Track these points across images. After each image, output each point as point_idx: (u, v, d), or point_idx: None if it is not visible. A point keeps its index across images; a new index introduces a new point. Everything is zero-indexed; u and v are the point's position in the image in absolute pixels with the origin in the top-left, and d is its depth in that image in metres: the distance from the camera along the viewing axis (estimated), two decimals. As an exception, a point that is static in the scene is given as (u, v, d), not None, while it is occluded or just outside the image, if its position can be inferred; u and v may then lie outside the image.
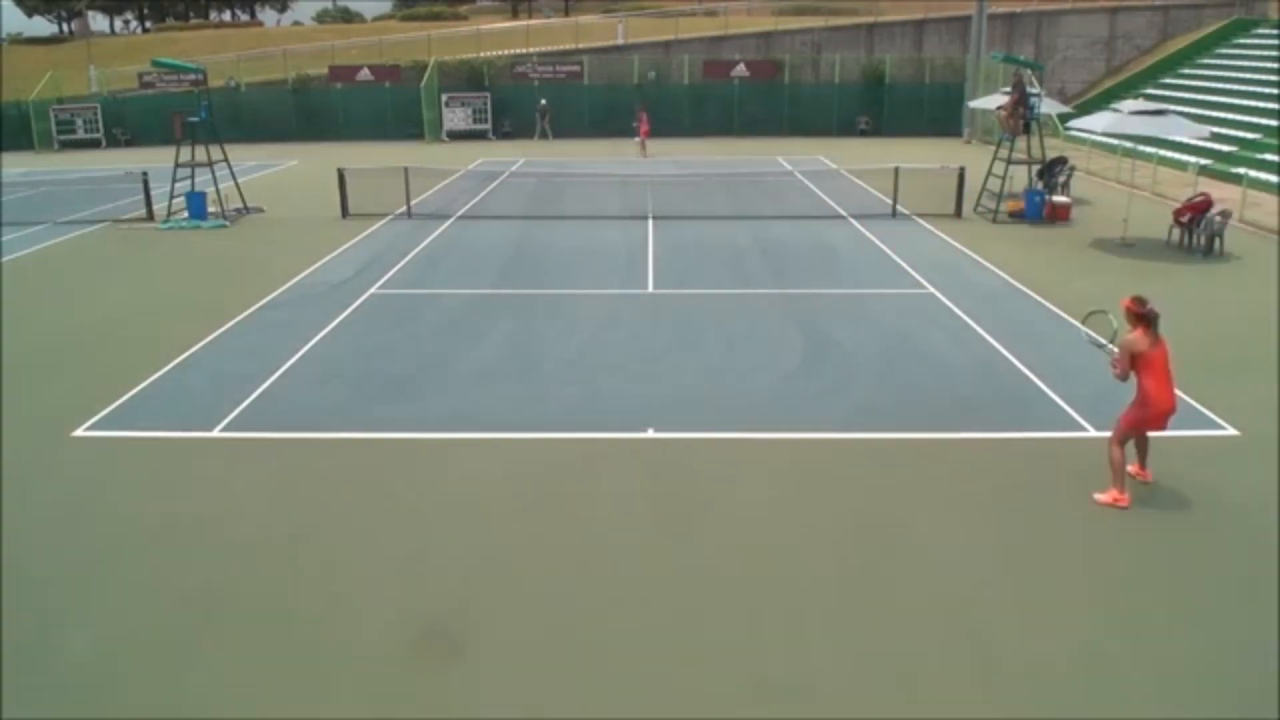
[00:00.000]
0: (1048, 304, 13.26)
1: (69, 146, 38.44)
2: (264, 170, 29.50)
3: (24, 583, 6.62)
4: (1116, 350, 7.56)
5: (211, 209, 20.75)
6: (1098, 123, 18.49)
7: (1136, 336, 7.35)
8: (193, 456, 8.72)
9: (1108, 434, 8.12)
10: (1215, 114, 27.40)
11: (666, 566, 6.77)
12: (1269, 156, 23.42)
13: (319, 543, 7.19)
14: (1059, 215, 19.51)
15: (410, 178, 21.22)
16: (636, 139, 32.73)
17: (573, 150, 34.07)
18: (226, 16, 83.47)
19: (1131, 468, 7.90)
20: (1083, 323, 8.27)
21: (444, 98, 39.01)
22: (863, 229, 18.79)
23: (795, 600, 6.34)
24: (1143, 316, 7.39)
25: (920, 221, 19.52)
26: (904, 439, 8.88)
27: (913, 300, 13.68)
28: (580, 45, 42.63)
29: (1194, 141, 21.73)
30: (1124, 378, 7.51)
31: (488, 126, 38.98)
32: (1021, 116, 19.83)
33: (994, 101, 22.87)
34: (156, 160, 25.69)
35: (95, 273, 16.39)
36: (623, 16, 46.37)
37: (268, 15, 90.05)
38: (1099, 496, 7.54)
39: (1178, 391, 7.49)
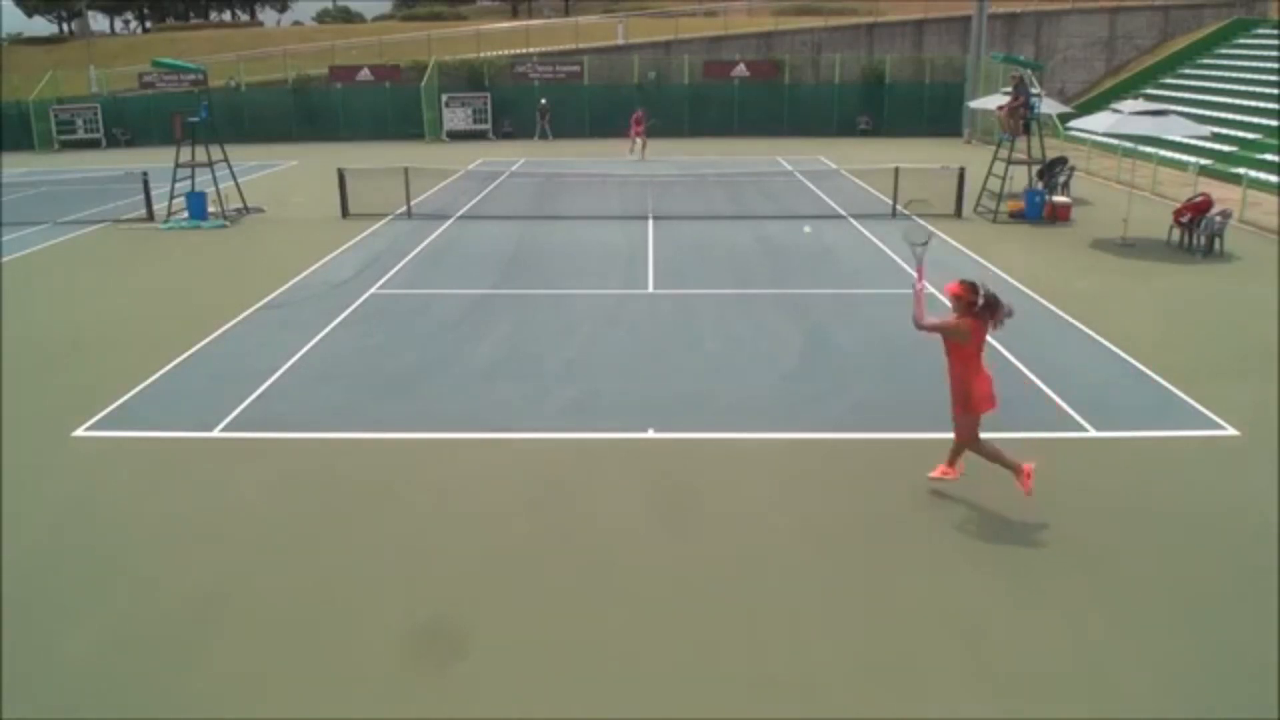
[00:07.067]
0: (1047, 304, 13.25)
1: (69, 146, 38.44)
2: (264, 170, 29.50)
3: (24, 582, 6.62)
4: (924, 249, 7.29)
5: (211, 209, 20.75)
6: (1098, 123, 18.49)
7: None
8: (193, 456, 8.72)
9: (1108, 434, 8.13)
10: (1215, 114, 27.40)
11: (666, 566, 6.76)
12: (1269, 156, 23.42)
13: (319, 542, 7.19)
14: (1059, 215, 19.51)
15: (410, 178, 21.22)
16: (631, 140, 32.16)
17: (573, 150, 34.06)
18: (226, 16, 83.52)
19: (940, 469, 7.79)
20: (905, 206, 8.11)
21: (444, 98, 39.03)
22: (862, 229, 18.77)
23: (795, 600, 6.34)
24: (974, 305, 7.00)
25: (920, 222, 19.46)
26: (903, 439, 8.89)
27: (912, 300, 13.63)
28: (580, 45, 42.63)
29: (1194, 141, 21.74)
30: (920, 322, 7.31)
31: (488, 126, 39.00)
32: (1021, 117, 19.84)
33: (994, 101, 22.87)
34: (156, 160, 25.68)
35: (95, 273, 16.39)
36: (623, 16, 46.41)
37: (268, 15, 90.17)
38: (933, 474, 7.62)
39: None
